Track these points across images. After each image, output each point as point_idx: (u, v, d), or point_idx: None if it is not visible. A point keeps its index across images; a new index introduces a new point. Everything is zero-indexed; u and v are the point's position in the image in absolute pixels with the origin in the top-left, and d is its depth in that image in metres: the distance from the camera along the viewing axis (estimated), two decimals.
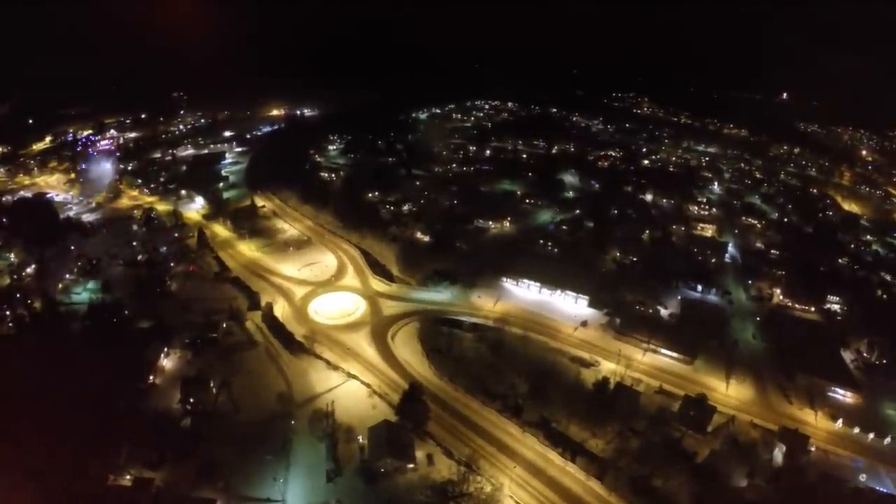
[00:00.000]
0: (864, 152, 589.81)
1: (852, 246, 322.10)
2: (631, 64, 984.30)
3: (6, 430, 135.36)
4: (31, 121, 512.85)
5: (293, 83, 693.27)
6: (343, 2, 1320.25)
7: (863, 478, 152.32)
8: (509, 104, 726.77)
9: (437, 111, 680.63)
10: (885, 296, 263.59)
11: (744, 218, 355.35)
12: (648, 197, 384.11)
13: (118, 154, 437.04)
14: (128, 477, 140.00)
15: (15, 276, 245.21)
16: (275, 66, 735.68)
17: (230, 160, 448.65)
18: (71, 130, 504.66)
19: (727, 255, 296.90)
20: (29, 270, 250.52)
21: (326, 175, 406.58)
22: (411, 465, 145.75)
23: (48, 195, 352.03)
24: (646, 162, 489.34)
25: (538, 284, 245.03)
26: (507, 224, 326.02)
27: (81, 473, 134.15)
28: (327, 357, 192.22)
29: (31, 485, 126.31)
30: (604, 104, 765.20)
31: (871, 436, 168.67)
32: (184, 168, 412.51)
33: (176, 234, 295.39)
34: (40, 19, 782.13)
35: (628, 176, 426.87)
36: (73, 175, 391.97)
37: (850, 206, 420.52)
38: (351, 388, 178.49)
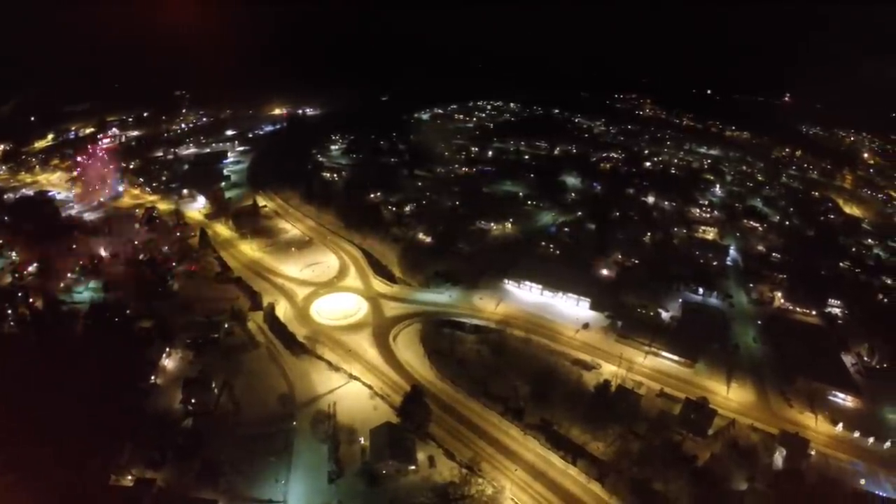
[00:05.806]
0: (865, 155, 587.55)
1: (853, 249, 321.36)
2: (634, 65, 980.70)
3: (7, 429, 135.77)
4: (33, 118, 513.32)
5: (294, 82, 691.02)
6: (344, 1, 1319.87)
7: (862, 482, 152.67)
8: (512, 105, 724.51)
9: (440, 111, 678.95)
10: (885, 300, 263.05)
11: (745, 221, 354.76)
12: (650, 199, 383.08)
13: (120, 152, 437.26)
14: (129, 477, 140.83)
15: (16, 275, 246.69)
16: (276, 65, 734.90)
17: (232, 159, 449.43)
18: (73, 128, 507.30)
19: (729, 258, 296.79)
20: (30, 269, 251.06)
21: (328, 175, 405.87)
22: (413, 467, 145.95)
23: (50, 193, 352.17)
24: (648, 164, 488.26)
25: (540, 287, 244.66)
26: (509, 226, 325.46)
27: (83, 473, 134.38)
28: (329, 358, 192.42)
29: (33, 484, 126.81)
30: (606, 105, 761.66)
31: (871, 440, 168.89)
32: (186, 167, 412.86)
33: (178, 234, 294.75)
34: (43, 17, 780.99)
35: (630, 178, 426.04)
36: (75, 173, 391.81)
37: (851, 210, 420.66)
38: (353, 390, 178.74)
